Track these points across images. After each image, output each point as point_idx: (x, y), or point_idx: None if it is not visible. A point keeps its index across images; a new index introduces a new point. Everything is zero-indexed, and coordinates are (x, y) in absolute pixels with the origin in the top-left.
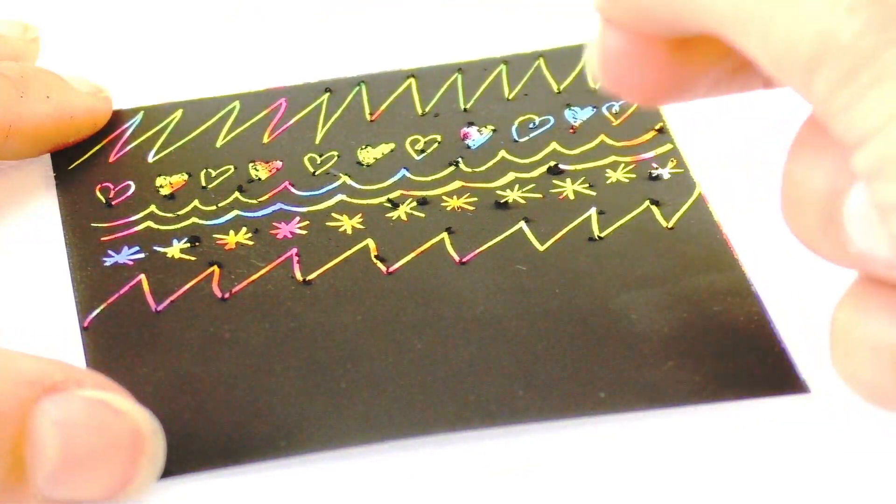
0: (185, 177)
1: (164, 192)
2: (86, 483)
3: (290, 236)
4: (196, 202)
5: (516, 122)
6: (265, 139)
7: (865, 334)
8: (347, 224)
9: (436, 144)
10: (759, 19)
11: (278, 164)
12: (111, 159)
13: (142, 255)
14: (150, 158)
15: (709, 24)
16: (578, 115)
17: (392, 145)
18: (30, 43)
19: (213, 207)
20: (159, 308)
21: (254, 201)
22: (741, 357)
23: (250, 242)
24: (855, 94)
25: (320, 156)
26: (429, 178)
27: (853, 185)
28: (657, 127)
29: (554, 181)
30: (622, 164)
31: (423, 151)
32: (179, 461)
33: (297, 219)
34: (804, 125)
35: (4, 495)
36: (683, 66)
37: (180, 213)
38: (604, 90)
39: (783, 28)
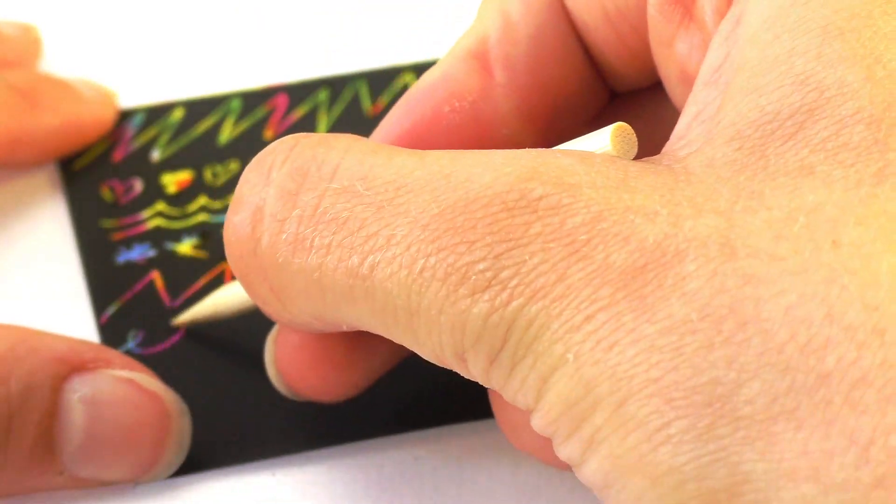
0: (191, 174)
1: (171, 189)
2: (111, 461)
3: None
4: (203, 199)
5: None
6: (268, 135)
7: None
8: None
9: None
10: (403, 329)
11: None
12: (116, 158)
13: (153, 253)
14: (155, 157)
15: (372, 330)
16: None
17: None
18: (31, 44)
19: (221, 204)
20: (175, 304)
21: None
22: None
23: None
24: (504, 375)
25: None
26: None
27: None
28: None
29: None
30: None
31: None
32: (201, 458)
33: None
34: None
35: (31, 470)
36: (366, 357)
37: (188, 210)
38: (288, 391)
39: (425, 335)
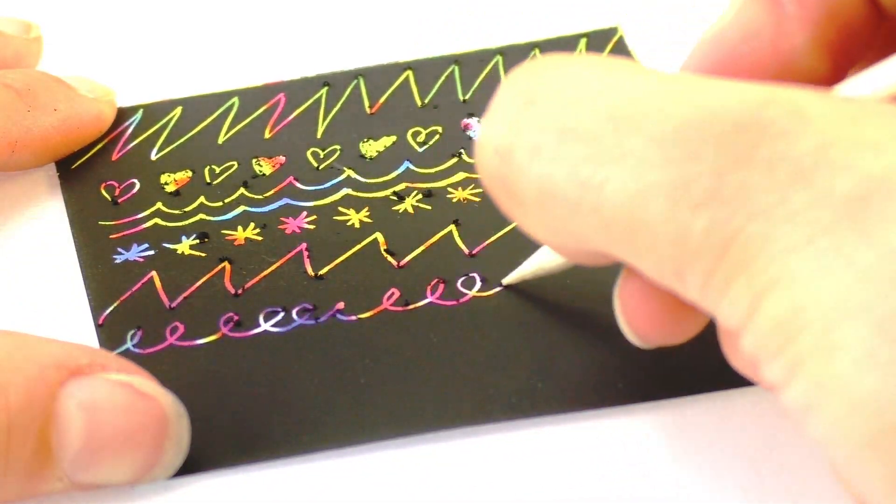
0: (189, 173)
1: (169, 189)
2: (111, 466)
3: (298, 231)
4: (202, 198)
5: None
6: (266, 134)
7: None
8: (355, 218)
9: (437, 136)
10: (626, 244)
11: (281, 158)
12: (114, 157)
13: (152, 252)
14: (153, 156)
15: (600, 250)
16: None
17: (394, 138)
18: (32, 42)
19: (220, 203)
20: (173, 304)
21: (260, 196)
22: None
23: (259, 238)
24: (719, 291)
25: (323, 150)
26: (433, 170)
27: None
28: None
29: None
30: None
31: (425, 143)
32: (201, 459)
33: (305, 213)
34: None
35: (31, 478)
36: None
37: (187, 209)
38: (637, 339)
39: (646, 250)
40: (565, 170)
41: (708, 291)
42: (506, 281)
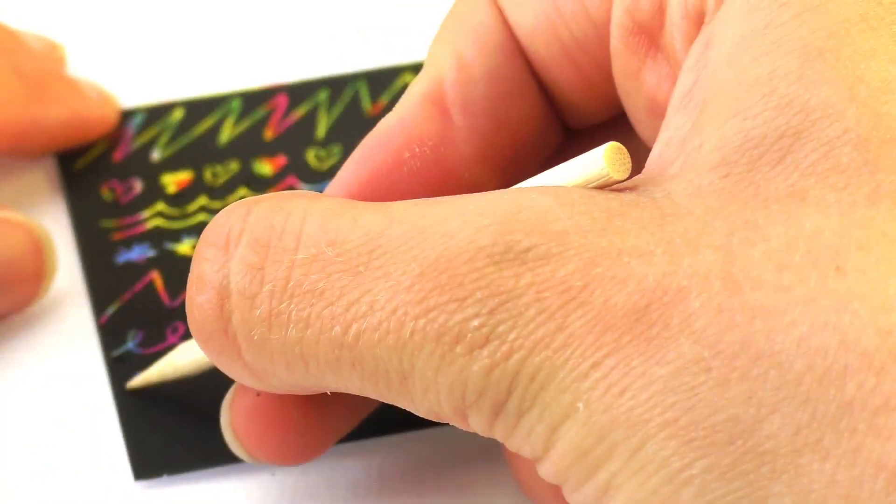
0: (191, 174)
1: (171, 189)
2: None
3: None
4: (203, 199)
5: None
6: (268, 135)
7: None
8: None
9: None
10: (398, 389)
11: (282, 159)
12: (116, 158)
13: (153, 253)
14: (155, 157)
15: (361, 393)
16: None
17: None
18: (55, 62)
19: (221, 204)
20: (174, 304)
21: None
22: None
23: None
24: (509, 426)
25: (324, 151)
26: None
27: None
28: None
29: None
30: None
31: None
32: (204, 455)
33: None
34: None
35: None
36: (323, 421)
37: (188, 210)
38: (246, 456)
39: (420, 394)
40: (314, 332)
41: (496, 428)
42: (131, 385)
